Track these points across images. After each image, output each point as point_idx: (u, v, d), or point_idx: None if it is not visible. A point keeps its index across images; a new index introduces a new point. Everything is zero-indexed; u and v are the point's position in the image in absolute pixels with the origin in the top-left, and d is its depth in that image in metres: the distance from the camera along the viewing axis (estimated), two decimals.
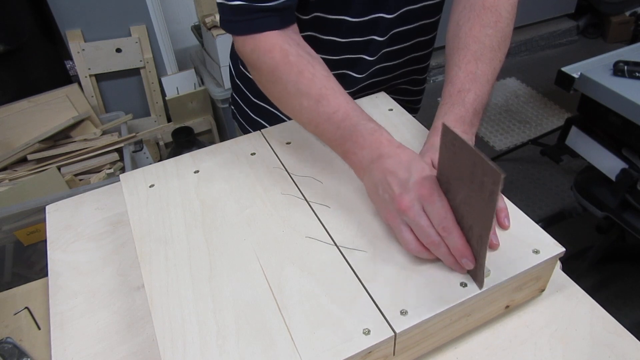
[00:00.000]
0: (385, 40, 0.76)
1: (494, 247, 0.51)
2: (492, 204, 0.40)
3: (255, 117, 0.90)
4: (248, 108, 0.90)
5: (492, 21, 0.65)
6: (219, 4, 0.63)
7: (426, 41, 0.83)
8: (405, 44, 0.79)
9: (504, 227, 0.54)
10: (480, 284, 0.47)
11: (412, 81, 0.90)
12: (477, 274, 0.47)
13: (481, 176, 0.41)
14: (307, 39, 0.68)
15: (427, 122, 0.67)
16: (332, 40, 0.75)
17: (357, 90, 0.82)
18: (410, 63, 0.84)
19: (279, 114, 0.86)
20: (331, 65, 0.76)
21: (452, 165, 0.46)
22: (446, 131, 0.44)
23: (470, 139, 0.61)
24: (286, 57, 0.60)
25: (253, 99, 0.88)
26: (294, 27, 0.64)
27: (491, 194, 0.40)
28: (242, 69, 0.88)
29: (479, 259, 0.46)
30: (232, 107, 0.98)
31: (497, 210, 0.55)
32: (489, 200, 0.41)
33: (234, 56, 0.92)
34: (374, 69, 0.80)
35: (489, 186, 0.40)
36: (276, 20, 0.61)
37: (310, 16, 0.72)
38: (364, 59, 0.77)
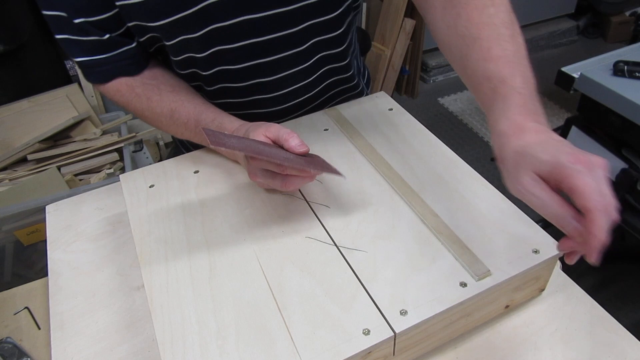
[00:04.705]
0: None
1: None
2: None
3: None
4: None
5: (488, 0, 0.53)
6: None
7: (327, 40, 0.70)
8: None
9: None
10: (342, 176, 0.56)
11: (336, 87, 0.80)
12: (336, 173, 0.55)
13: None
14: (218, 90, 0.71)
15: (427, 123, 0.67)
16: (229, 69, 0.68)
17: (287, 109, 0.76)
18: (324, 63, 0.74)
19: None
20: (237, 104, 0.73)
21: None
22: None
23: (548, 128, 0.45)
24: (133, 90, 0.66)
25: None
26: (146, 72, 0.68)
27: None
28: None
29: (325, 167, 0.54)
30: None
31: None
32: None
33: None
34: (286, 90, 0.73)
35: None
36: (120, 68, 0.65)
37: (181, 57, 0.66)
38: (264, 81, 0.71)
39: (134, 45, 0.64)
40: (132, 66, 0.66)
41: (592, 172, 0.38)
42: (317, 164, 0.54)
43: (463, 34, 0.53)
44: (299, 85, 0.73)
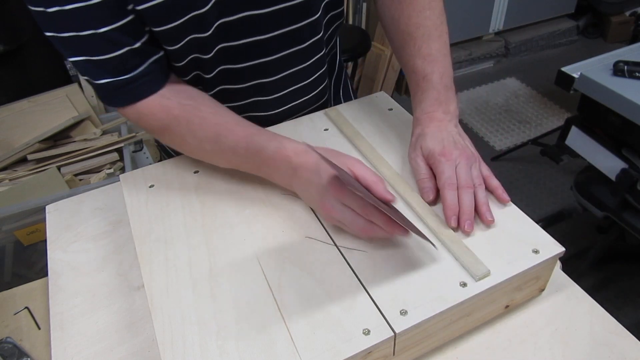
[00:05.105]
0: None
1: (488, 222, 0.54)
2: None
3: None
4: None
5: (426, 2, 0.65)
6: (87, 81, 0.58)
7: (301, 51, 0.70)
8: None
9: (504, 201, 0.57)
10: (431, 243, 0.50)
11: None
12: (423, 237, 0.49)
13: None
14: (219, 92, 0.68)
15: None
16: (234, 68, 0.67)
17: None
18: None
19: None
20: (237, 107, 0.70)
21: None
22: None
23: (455, 116, 0.63)
24: (170, 113, 0.59)
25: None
26: (172, 77, 0.62)
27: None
28: None
29: (411, 228, 0.48)
30: None
31: (493, 188, 0.58)
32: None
33: None
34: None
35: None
36: (150, 83, 0.59)
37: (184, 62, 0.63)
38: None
39: (162, 54, 0.59)
40: (159, 80, 0.60)
41: (449, 163, 0.57)
42: (405, 222, 0.48)
43: (402, 30, 0.66)
44: (297, 86, 0.73)
